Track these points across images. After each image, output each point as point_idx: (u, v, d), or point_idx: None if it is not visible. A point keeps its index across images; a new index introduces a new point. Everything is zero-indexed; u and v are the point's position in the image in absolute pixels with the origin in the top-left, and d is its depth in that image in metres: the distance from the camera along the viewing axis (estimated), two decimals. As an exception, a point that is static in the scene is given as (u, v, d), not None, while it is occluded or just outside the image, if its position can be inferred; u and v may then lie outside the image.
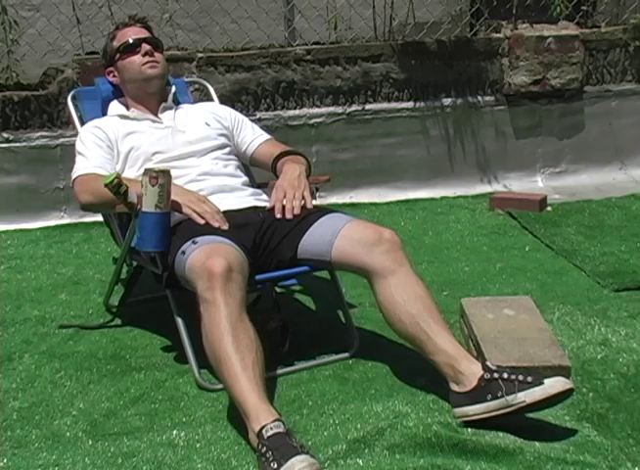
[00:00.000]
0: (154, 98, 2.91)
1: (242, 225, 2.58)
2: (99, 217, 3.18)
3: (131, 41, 2.88)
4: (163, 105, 2.92)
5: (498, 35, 4.62)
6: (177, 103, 3.01)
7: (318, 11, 4.45)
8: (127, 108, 2.94)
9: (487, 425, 2.18)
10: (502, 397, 2.14)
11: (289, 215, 2.59)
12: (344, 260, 2.49)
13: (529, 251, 3.66)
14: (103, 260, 3.58)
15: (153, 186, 2.40)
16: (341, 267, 2.58)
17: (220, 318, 2.22)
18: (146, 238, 2.47)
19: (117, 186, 2.43)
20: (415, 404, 2.32)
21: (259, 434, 2.03)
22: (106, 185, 2.43)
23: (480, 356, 2.47)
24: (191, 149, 2.82)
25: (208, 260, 2.29)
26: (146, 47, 2.87)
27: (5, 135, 4.08)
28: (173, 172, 2.52)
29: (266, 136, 3.02)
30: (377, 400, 2.36)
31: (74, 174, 2.77)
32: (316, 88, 4.36)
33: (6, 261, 3.64)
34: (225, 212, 2.59)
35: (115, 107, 2.96)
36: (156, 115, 2.91)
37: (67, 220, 4.16)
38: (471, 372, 2.22)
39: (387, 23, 4.52)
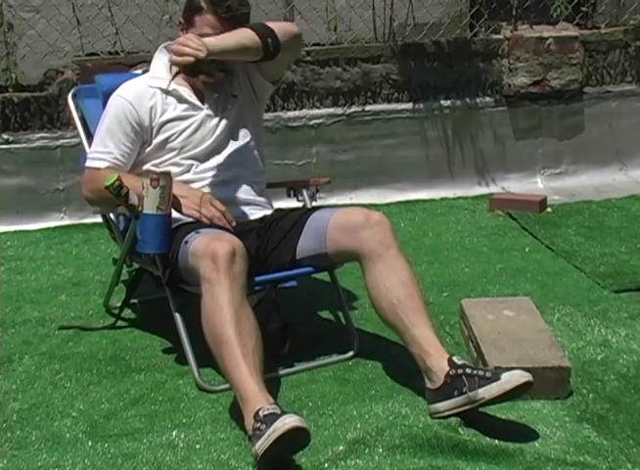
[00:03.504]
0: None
1: (246, 232, 2.57)
2: (99, 219, 3.18)
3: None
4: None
5: (498, 36, 4.62)
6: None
7: (318, 12, 4.45)
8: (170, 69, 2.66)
9: (486, 425, 2.19)
10: (465, 393, 2.17)
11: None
12: (338, 249, 2.50)
13: (529, 252, 3.66)
14: (103, 262, 3.57)
15: (154, 188, 2.40)
16: (338, 257, 2.57)
17: (224, 302, 2.23)
18: (147, 240, 2.47)
19: (118, 188, 2.43)
20: (415, 405, 2.32)
21: (256, 415, 2.04)
22: (106, 187, 2.43)
23: (480, 357, 2.48)
24: (216, 151, 2.69)
25: (213, 243, 2.31)
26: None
27: (5, 136, 4.08)
28: (187, 176, 2.56)
29: None
30: (377, 401, 2.37)
31: (88, 161, 2.68)
32: (316, 89, 4.36)
33: (6, 263, 3.64)
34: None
35: (160, 64, 2.72)
36: (200, 93, 2.71)
37: (66, 222, 4.16)
38: (439, 369, 2.23)
39: (386, 25, 4.52)
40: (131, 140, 2.66)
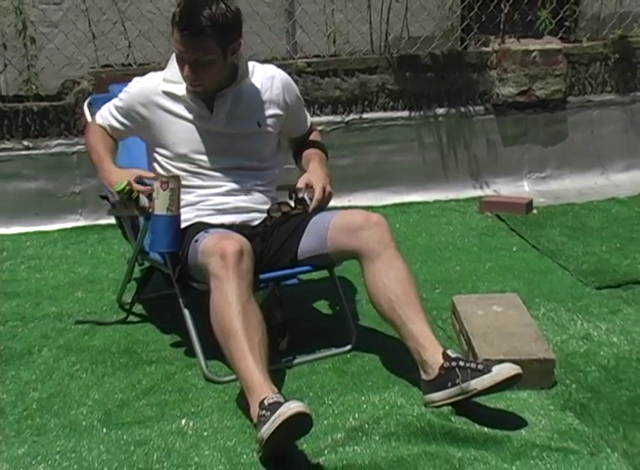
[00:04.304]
0: None
1: (252, 235, 2.56)
2: (112, 220, 3.18)
3: (178, 54, 2.54)
4: (221, 92, 2.62)
5: (487, 49, 4.62)
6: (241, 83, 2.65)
7: (318, 26, 4.45)
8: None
9: (476, 414, 2.19)
10: (458, 384, 2.17)
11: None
12: (339, 248, 2.49)
13: (517, 251, 3.66)
14: (116, 260, 3.57)
15: (164, 191, 2.41)
16: (338, 257, 2.56)
17: (232, 298, 2.22)
18: (158, 240, 2.48)
19: (129, 193, 2.46)
20: (409, 396, 2.32)
21: (261, 403, 2.03)
22: (118, 192, 2.45)
23: (470, 350, 2.48)
24: (228, 163, 2.65)
25: (222, 241, 2.32)
26: (187, 71, 2.51)
27: (25, 143, 4.08)
28: (199, 182, 2.57)
29: (308, 128, 2.93)
30: (373, 392, 2.37)
31: (98, 115, 2.81)
32: (316, 98, 4.36)
33: (26, 261, 3.63)
34: (237, 225, 2.59)
35: (173, 71, 2.61)
36: (210, 101, 2.62)
37: (82, 223, 4.15)
38: (434, 361, 2.23)
39: (382, 38, 4.52)
40: (127, 127, 2.74)
